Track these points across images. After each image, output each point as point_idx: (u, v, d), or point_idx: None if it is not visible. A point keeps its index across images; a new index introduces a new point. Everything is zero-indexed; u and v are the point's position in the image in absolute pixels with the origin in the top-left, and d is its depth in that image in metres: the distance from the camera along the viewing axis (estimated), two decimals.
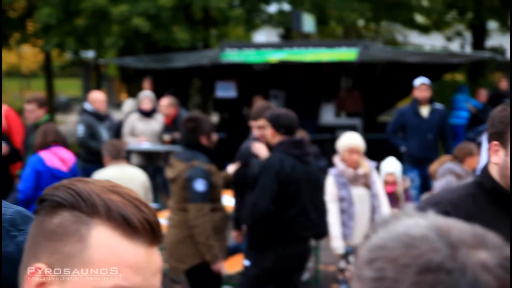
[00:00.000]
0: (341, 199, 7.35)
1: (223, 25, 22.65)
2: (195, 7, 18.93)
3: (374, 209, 7.42)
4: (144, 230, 1.31)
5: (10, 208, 1.96)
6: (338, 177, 7.36)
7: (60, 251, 1.30)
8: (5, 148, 8.87)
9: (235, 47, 15.77)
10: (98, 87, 26.18)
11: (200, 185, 6.31)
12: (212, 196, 6.46)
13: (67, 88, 46.76)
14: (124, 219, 1.30)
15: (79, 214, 1.31)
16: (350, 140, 7.37)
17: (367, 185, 7.43)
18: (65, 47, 20.73)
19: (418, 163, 10.51)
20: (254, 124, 7.04)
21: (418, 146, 10.65)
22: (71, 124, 25.91)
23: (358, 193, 7.39)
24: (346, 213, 7.35)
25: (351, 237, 7.31)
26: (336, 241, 7.30)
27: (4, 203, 1.99)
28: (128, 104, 14.36)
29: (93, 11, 18.77)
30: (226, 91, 15.43)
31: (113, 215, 1.30)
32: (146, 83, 14.63)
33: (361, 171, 7.37)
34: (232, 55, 15.05)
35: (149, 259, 1.33)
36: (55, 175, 7.49)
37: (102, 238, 1.30)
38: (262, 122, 6.82)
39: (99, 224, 1.30)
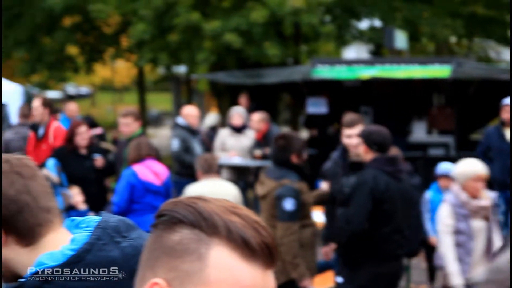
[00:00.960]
0: (457, 232, 6.71)
1: (313, 41, 22.65)
2: (286, 23, 19.00)
3: (490, 242, 6.74)
4: (262, 253, 1.31)
5: (113, 217, 2.04)
6: (457, 208, 6.70)
7: (179, 268, 1.31)
8: (100, 161, 9.04)
9: (326, 63, 15.72)
10: (188, 101, 26.52)
11: (289, 204, 6.30)
12: (301, 214, 6.44)
13: (158, 102, 47.53)
14: (244, 241, 1.30)
15: (199, 232, 1.32)
16: (475, 167, 6.70)
17: (487, 217, 6.76)
18: (158, 62, 21.09)
19: (502, 188, 9.94)
20: (347, 132, 6.94)
21: (501, 170, 10.01)
22: (162, 137, 26.31)
23: (477, 226, 6.71)
24: (463, 247, 6.71)
25: (468, 274, 6.64)
26: (456, 279, 6.63)
27: (107, 213, 2.06)
28: (210, 118, 14.47)
29: (186, 27, 19.05)
30: (317, 107, 15.38)
31: (233, 236, 1.31)
32: (242, 98, 14.72)
33: (484, 202, 6.72)
34: (324, 71, 15.01)
35: (265, 282, 1.33)
36: (148, 189, 7.60)
37: (221, 258, 1.30)
38: (356, 129, 6.72)
39: (218, 244, 1.31)
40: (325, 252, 7.32)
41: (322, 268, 7.80)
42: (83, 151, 8.86)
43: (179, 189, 8.87)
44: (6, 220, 1.96)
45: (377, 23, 21.58)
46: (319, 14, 19.74)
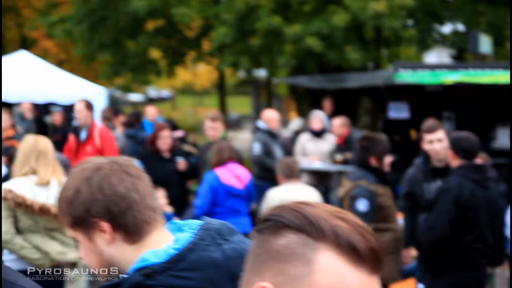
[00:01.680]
0: None
1: (395, 45, 22.45)
2: (367, 27, 18.88)
3: None
4: (368, 257, 1.32)
5: (216, 221, 2.11)
6: None
7: (286, 272, 1.32)
8: (183, 164, 9.14)
9: (409, 67, 15.56)
10: (268, 105, 26.60)
11: (362, 205, 6.26)
12: (378, 217, 6.37)
13: (238, 105, 47.80)
14: (351, 246, 1.31)
15: (305, 237, 1.33)
16: None
17: None
18: (239, 66, 21.21)
19: None
20: (428, 137, 6.84)
21: None
22: (242, 141, 26.43)
23: None
24: None
25: None
26: None
27: (209, 218, 2.13)
28: (295, 123, 14.44)
29: (268, 31, 19.11)
30: (398, 112, 15.24)
31: (340, 241, 1.31)
32: (326, 102, 14.70)
33: None
34: (406, 76, 14.85)
35: (371, 287, 1.34)
36: (230, 192, 7.65)
37: (329, 263, 1.31)
38: (437, 135, 6.62)
39: (325, 249, 1.32)
40: (405, 256, 7.22)
41: (408, 273, 7.71)
42: (166, 154, 8.98)
43: (259, 192, 8.90)
44: (116, 216, 2.04)
45: (460, 27, 21.25)
46: (401, 18, 19.55)
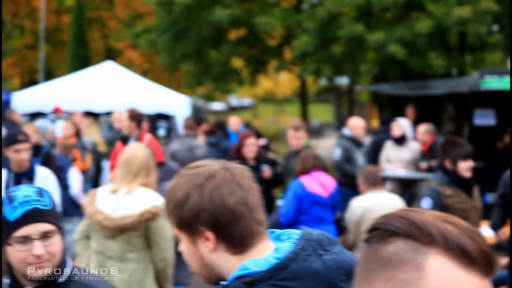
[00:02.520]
0: None
1: (479, 51, 22.08)
2: (451, 33, 18.62)
3: None
4: (480, 260, 1.31)
5: (315, 231, 2.10)
6: None
7: (397, 278, 1.32)
8: (268, 171, 9.17)
9: (495, 74, 15.29)
10: (350, 112, 26.46)
11: (425, 203, 6.20)
12: None
13: (319, 113, 47.70)
14: (461, 249, 1.30)
15: (414, 243, 1.33)
16: None
17: None
18: (321, 74, 21.18)
19: None
20: None
21: None
22: (324, 148, 26.35)
23: None
24: None
25: None
26: None
27: (308, 228, 2.12)
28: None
29: (350, 38, 19.05)
30: (484, 119, 14.99)
31: (450, 244, 1.31)
32: (409, 110, 14.56)
33: None
34: (493, 82, 14.60)
35: None
36: (315, 200, 7.62)
37: (440, 267, 1.30)
38: None
39: (435, 254, 1.31)
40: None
41: (497, 283, 7.55)
42: (252, 162, 9.02)
43: (342, 199, 8.83)
44: (222, 227, 2.05)
45: None
46: (486, 23, 19.23)
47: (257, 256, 2.04)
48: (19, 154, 6.49)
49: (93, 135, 13.74)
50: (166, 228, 5.22)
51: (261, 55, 24.17)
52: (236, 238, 2.06)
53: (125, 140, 9.09)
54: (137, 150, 5.48)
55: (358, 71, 19.76)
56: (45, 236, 2.67)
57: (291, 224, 7.53)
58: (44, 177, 6.79)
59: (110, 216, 5.20)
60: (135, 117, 8.94)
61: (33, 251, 2.64)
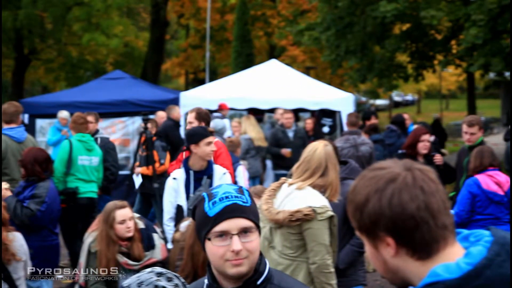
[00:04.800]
0: None
1: None
2: None
3: None
4: None
5: (506, 233, 1.96)
6: None
7: None
8: (439, 159, 8.85)
9: None
10: None
11: None
12: None
13: (486, 108, 46.36)
14: None
15: None
16: None
17: None
18: (491, 68, 20.41)
19: None
20: None
21: None
22: (491, 145, 25.50)
23: None
24: None
25: None
26: None
27: (498, 229, 1.98)
28: None
29: None
30: None
31: None
32: None
33: None
34: None
35: None
36: (491, 199, 7.33)
37: None
38: None
39: None
40: None
41: None
42: (420, 159, 8.76)
43: None
44: (402, 234, 1.94)
45: None
46: None
47: (445, 261, 1.91)
48: (211, 146, 6.77)
49: (251, 132, 13.84)
50: (320, 232, 5.09)
51: (426, 50, 23.65)
52: (419, 244, 1.94)
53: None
54: (316, 148, 5.40)
55: None
56: (243, 232, 2.66)
57: (464, 224, 7.26)
58: (222, 174, 6.91)
59: (271, 208, 5.21)
60: (203, 117, 8.30)
61: (232, 246, 2.63)
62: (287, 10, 31.66)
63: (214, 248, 2.66)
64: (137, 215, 6.36)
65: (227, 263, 2.64)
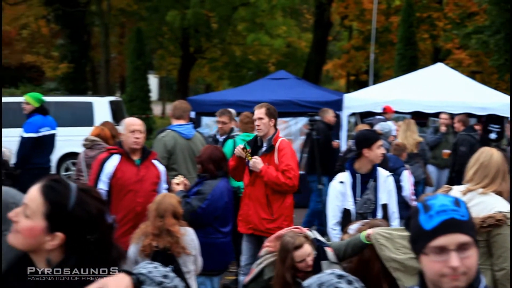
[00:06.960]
0: None
1: None
2: None
3: None
4: None
5: None
6: None
7: None
8: None
9: None
10: None
11: None
12: None
13: None
14: None
15: None
16: None
17: None
18: None
19: None
20: None
21: None
22: None
23: None
24: None
25: None
26: None
27: None
28: None
29: None
30: None
31: None
32: None
33: None
34: None
35: None
36: None
37: None
38: None
39: None
40: None
41: None
42: None
43: None
44: None
45: None
46: None
47: None
48: (381, 149, 6.73)
49: (408, 138, 13.45)
50: (508, 238, 4.95)
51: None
52: None
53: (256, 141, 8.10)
54: (493, 153, 5.26)
55: None
56: (461, 248, 2.55)
57: None
58: (386, 177, 6.84)
59: None
60: (273, 114, 7.91)
61: (449, 262, 2.53)
62: (454, 13, 30.90)
63: (430, 264, 2.57)
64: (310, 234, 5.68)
65: (444, 279, 2.55)
